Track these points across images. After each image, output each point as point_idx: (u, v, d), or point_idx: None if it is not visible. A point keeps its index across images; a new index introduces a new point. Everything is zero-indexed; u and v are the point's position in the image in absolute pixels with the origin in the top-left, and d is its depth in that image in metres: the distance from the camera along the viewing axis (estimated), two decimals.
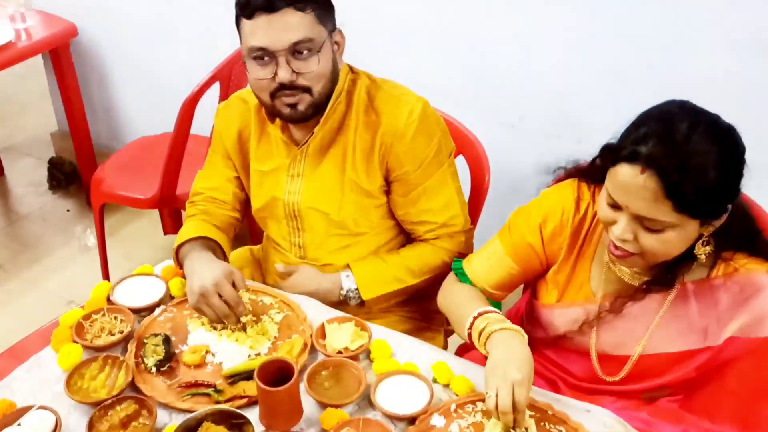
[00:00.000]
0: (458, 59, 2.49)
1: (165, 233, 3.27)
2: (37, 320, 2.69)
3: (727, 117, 1.31)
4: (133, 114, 3.45)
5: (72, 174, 3.67)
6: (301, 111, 1.61)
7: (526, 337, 1.41)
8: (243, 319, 1.59)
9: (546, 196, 1.58)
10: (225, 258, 1.75)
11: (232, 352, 1.55)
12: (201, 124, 2.54)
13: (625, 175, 1.29)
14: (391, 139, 1.65)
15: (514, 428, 1.32)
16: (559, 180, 1.63)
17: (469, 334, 1.47)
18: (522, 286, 1.76)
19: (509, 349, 1.37)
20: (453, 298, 1.63)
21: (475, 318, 1.47)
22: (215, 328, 1.60)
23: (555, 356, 1.66)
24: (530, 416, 1.40)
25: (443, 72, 2.53)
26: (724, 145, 1.27)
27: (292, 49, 1.52)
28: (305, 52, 1.54)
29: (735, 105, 1.48)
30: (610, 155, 1.33)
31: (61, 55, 3.20)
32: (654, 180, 1.25)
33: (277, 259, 1.87)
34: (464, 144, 1.97)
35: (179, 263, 1.74)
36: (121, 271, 3.11)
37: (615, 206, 1.34)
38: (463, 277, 1.65)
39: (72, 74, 3.29)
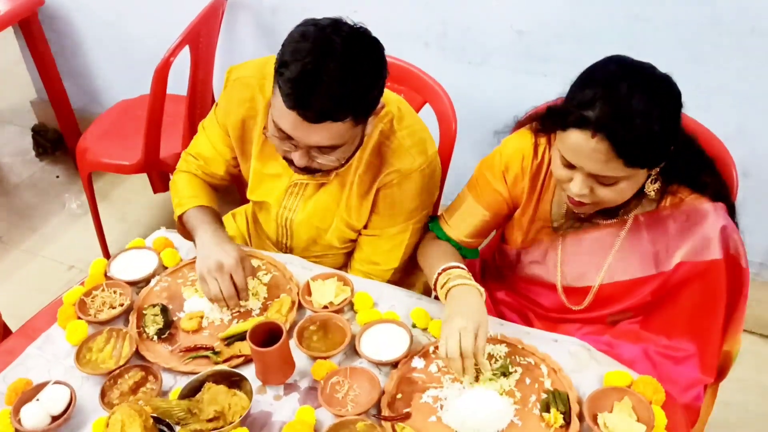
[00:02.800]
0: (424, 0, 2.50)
1: (155, 192, 3.33)
2: (42, 288, 2.82)
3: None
4: (110, 78, 3.45)
5: (57, 141, 3.70)
6: (311, 175, 1.63)
7: (482, 291, 1.51)
8: (243, 304, 1.67)
9: (506, 144, 1.65)
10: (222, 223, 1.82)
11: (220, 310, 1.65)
12: (176, 84, 2.56)
13: (576, 140, 1.35)
14: (388, 188, 1.67)
15: (465, 374, 1.42)
16: (518, 126, 1.70)
17: (435, 288, 1.58)
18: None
19: (463, 303, 1.47)
20: (427, 255, 1.73)
21: (439, 274, 1.57)
22: (210, 301, 1.66)
23: (525, 291, 1.77)
24: (500, 355, 1.52)
25: (409, 14, 2.54)
26: (663, 98, 1.34)
27: (317, 146, 1.50)
28: (329, 149, 1.51)
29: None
30: (559, 120, 1.40)
31: (30, 25, 3.18)
32: (604, 143, 1.32)
33: (264, 239, 1.95)
34: (431, 94, 2.02)
35: (182, 225, 1.79)
36: (116, 234, 3.20)
37: (569, 166, 1.41)
38: (440, 232, 1.74)
39: (43, 43, 3.28)
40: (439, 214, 1.78)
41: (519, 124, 1.71)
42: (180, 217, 1.81)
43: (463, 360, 1.39)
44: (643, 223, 1.55)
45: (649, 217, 1.54)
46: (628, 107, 1.31)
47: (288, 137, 1.50)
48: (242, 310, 1.67)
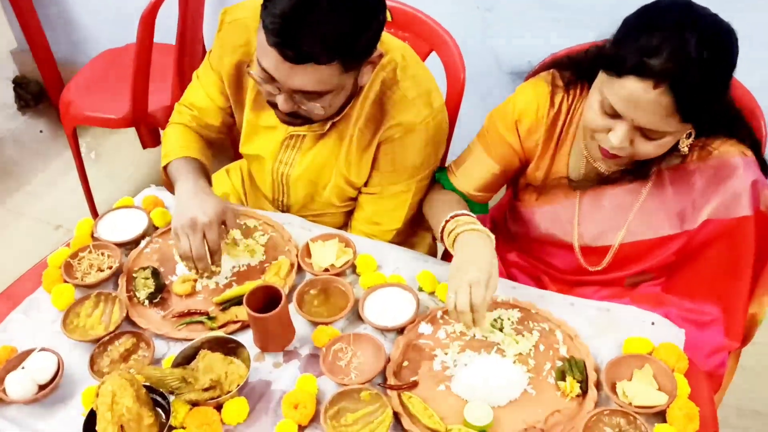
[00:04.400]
0: None
1: (144, 147, 3.28)
2: (30, 249, 2.79)
3: None
4: (94, 26, 3.36)
5: (40, 93, 3.64)
6: (299, 124, 1.58)
7: (492, 238, 1.47)
8: (214, 269, 1.59)
9: (520, 92, 1.59)
10: (209, 178, 1.79)
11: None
12: (164, 32, 2.49)
13: (632, 89, 1.28)
14: (390, 143, 1.63)
15: (475, 326, 1.41)
16: (534, 73, 1.65)
17: (442, 237, 1.54)
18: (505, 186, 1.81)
19: (472, 250, 1.44)
20: (434, 205, 1.69)
21: (447, 221, 1.53)
22: (181, 260, 1.59)
23: (539, 252, 1.74)
24: (513, 320, 1.50)
25: None
26: (728, 53, 1.29)
27: (301, 90, 1.45)
28: (314, 95, 1.46)
29: None
30: (612, 64, 1.32)
31: None
32: (666, 96, 1.26)
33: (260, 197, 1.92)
34: (438, 42, 1.96)
35: (168, 177, 1.76)
36: (104, 191, 3.16)
37: (613, 115, 1.35)
38: (447, 183, 1.70)
39: None
40: (447, 165, 1.74)
41: (534, 72, 1.66)
42: (165, 169, 1.77)
43: (473, 313, 1.37)
44: (667, 179, 1.50)
45: (674, 171, 1.49)
46: (696, 61, 1.24)
47: (271, 79, 1.45)
48: (217, 278, 1.62)
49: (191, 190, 1.61)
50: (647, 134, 1.34)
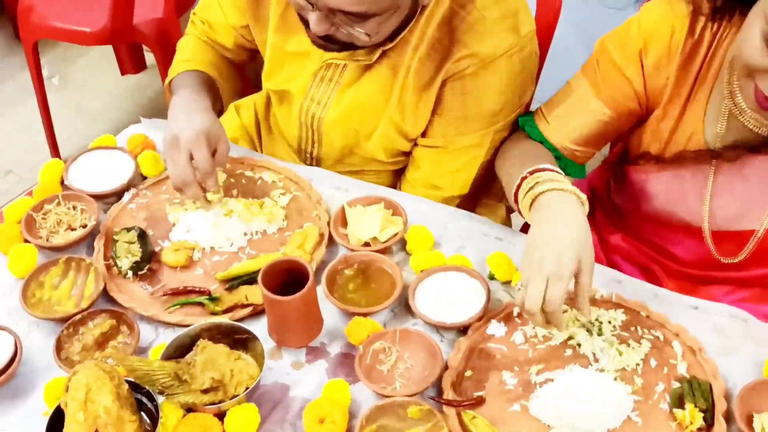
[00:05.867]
0: None
1: (123, 73, 3.32)
2: None
3: None
4: None
5: None
6: (336, 50, 1.60)
7: (585, 202, 1.46)
8: (210, 196, 1.67)
9: (647, 12, 1.56)
10: (220, 101, 1.84)
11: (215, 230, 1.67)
12: None
13: None
14: (459, 79, 1.63)
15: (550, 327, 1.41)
16: None
17: (516, 199, 1.54)
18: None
19: (556, 221, 1.42)
20: (508, 158, 1.69)
21: (523, 177, 1.52)
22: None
23: (653, 235, 1.74)
24: (614, 322, 1.50)
25: None
26: None
27: (340, 10, 1.46)
28: (357, 17, 1.48)
29: None
30: None
31: None
32: None
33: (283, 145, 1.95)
34: None
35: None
36: (70, 129, 3.21)
37: None
38: (534, 131, 1.70)
39: None
40: (535, 109, 1.73)
41: None
42: (169, 88, 1.82)
43: (547, 314, 1.38)
44: None
45: None
46: None
47: None
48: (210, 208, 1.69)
49: (182, 104, 1.67)
50: None
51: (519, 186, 1.53)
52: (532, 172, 1.52)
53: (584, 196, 1.46)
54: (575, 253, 1.38)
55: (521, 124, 1.73)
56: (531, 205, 1.48)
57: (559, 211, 1.44)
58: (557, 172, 1.52)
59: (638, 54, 1.56)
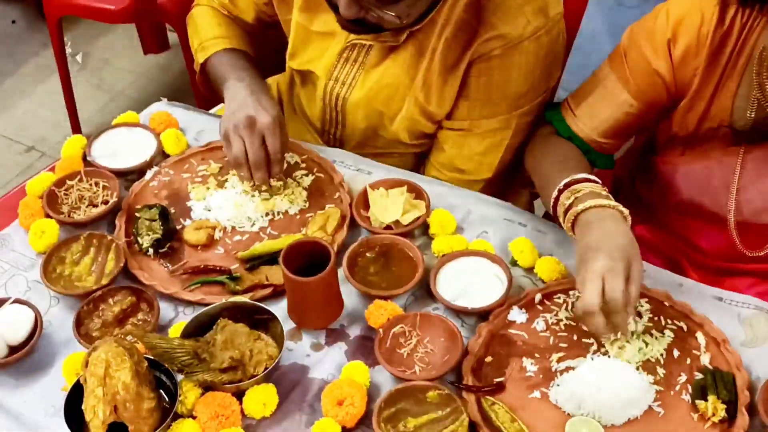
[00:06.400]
0: None
1: (145, 52, 3.33)
2: None
3: None
4: None
5: None
6: (364, 32, 1.60)
7: (627, 214, 1.45)
8: (274, 183, 1.69)
9: (676, 0, 1.56)
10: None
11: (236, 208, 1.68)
12: None
13: None
14: (486, 61, 1.62)
15: (612, 332, 1.39)
16: None
17: (555, 211, 1.53)
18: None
19: (602, 232, 1.41)
20: (540, 160, 1.69)
21: (560, 191, 1.51)
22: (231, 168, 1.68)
23: (678, 227, 1.73)
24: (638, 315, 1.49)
25: None
26: None
27: None
28: (389, 0, 1.47)
29: None
30: None
31: None
32: None
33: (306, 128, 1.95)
34: None
35: (204, 74, 1.84)
36: (92, 107, 3.22)
37: None
38: (561, 125, 1.69)
39: None
40: (561, 100, 1.72)
41: None
42: (203, 66, 1.82)
43: (611, 315, 1.35)
44: None
45: None
46: None
47: None
48: (272, 195, 1.69)
49: (246, 89, 1.68)
50: None
51: (557, 199, 1.52)
52: (568, 185, 1.50)
53: (626, 211, 1.45)
54: (626, 253, 1.36)
55: (548, 119, 1.72)
56: (573, 222, 1.46)
57: (605, 226, 1.42)
58: (594, 181, 1.51)
59: (667, 44, 1.54)
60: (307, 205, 1.70)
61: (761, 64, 1.47)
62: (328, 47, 1.75)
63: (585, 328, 1.43)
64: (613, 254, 1.35)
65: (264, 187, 1.69)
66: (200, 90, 1.95)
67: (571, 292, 1.53)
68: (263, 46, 1.97)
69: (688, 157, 1.63)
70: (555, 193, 1.52)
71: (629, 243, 1.39)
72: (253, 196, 1.69)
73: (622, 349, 1.43)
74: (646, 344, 1.44)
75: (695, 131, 1.59)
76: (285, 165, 1.72)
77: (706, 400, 1.36)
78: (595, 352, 1.44)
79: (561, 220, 1.50)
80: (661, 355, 1.43)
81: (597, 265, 1.34)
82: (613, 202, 1.45)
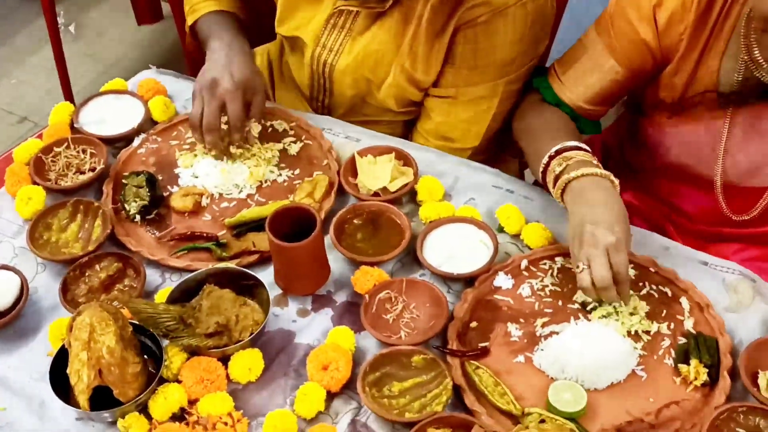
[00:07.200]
0: None
1: (139, 23, 3.32)
2: None
3: None
4: None
5: None
6: None
7: (616, 183, 1.46)
8: (233, 150, 1.68)
9: None
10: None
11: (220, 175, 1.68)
12: None
13: None
14: (472, 27, 1.61)
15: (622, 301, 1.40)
16: None
17: (544, 179, 1.53)
18: None
19: (594, 203, 1.42)
20: (529, 127, 1.68)
21: (551, 158, 1.51)
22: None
23: (665, 191, 1.74)
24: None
25: None
26: None
27: None
28: None
29: None
30: None
31: None
32: None
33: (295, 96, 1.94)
34: None
35: (195, 38, 1.84)
36: (85, 77, 3.21)
37: None
38: (548, 93, 1.69)
39: None
40: (548, 65, 1.72)
41: None
42: (192, 28, 1.82)
43: (618, 286, 1.36)
44: None
45: None
46: None
47: None
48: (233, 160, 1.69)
49: (225, 47, 1.68)
50: None
51: (547, 165, 1.52)
52: (559, 152, 1.51)
53: (617, 180, 1.46)
54: (624, 225, 1.39)
55: (536, 86, 1.72)
56: (564, 189, 1.47)
57: (598, 197, 1.43)
58: (583, 149, 1.51)
59: (652, 10, 1.54)
60: (297, 171, 1.70)
61: (748, 25, 1.47)
62: (315, 13, 1.74)
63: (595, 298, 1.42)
64: (614, 228, 1.37)
65: (215, 152, 1.68)
66: (194, 57, 1.95)
67: (557, 259, 1.53)
68: (256, 14, 1.96)
69: (675, 119, 1.63)
70: (545, 160, 1.52)
71: (623, 214, 1.41)
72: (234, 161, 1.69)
73: (610, 316, 1.44)
74: (632, 313, 1.45)
75: (682, 96, 1.59)
76: (256, 132, 1.73)
77: (688, 365, 1.36)
78: (579, 317, 1.45)
79: (550, 187, 1.51)
80: (644, 320, 1.44)
81: (600, 240, 1.36)
82: (604, 171, 1.46)
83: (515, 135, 1.74)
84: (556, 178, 1.49)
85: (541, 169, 1.54)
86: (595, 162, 1.48)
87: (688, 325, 1.43)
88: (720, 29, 1.52)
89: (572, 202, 1.45)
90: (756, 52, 1.46)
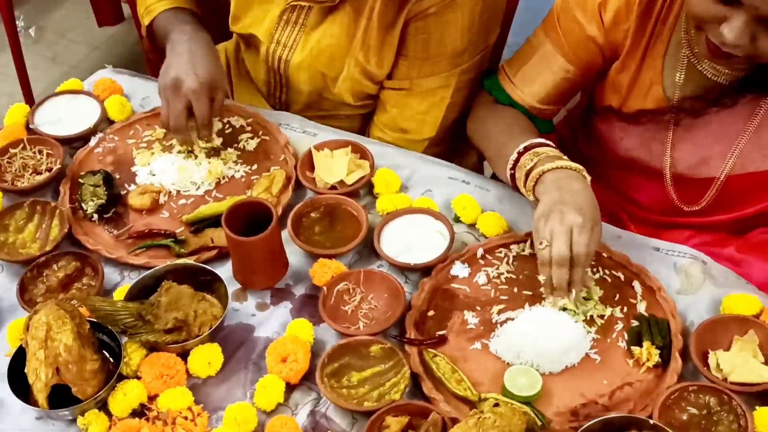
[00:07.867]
0: None
1: (100, 25, 3.30)
2: None
3: None
4: None
5: None
6: None
7: (588, 177, 1.47)
8: (203, 144, 1.68)
9: None
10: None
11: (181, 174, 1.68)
12: None
13: None
14: (422, 19, 1.62)
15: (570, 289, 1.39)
16: None
17: (512, 176, 1.54)
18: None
19: (567, 190, 1.43)
20: (487, 128, 1.69)
21: (520, 154, 1.52)
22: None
23: (619, 182, 1.75)
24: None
25: None
26: None
27: None
28: None
29: None
30: None
31: None
32: None
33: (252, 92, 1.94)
34: None
35: (153, 39, 1.82)
36: (45, 81, 3.18)
37: (728, 2, 1.32)
38: (500, 94, 1.70)
39: None
40: (499, 66, 1.73)
41: None
42: (150, 28, 1.80)
43: (573, 268, 1.37)
44: None
45: None
46: None
47: None
48: (201, 153, 1.70)
49: (187, 42, 1.66)
50: None
51: (516, 161, 1.52)
52: (527, 148, 1.52)
53: (589, 177, 1.47)
54: (592, 215, 1.39)
55: (487, 88, 1.73)
56: (536, 181, 1.47)
57: (570, 185, 1.44)
58: (550, 146, 1.53)
59: (598, 9, 1.56)
60: (255, 167, 1.70)
61: (689, 21, 1.49)
62: (268, 10, 1.75)
63: (541, 279, 1.42)
64: (583, 211, 1.38)
65: (186, 147, 1.69)
66: (150, 59, 1.94)
67: (512, 247, 1.55)
68: (211, 11, 1.96)
69: (624, 115, 1.64)
70: (514, 156, 1.52)
71: (595, 204, 1.43)
72: (196, 157, 1.69)
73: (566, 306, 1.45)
74: (586, 299, 1.46)
75: (627, 92, 1.61)
76: (224, 127, 1.73)
77: (641, 347, 1.38)
78: (533, 303, 1.46)
79: (521, 182, 1.51)
80: (597, 305, 1.46)
81: (567, 219, 1.37)
82: (577, 165, 1.48)
83: (471, 137, 1.75)
84: (528, 172, 1.49)
85: (509, 166, 1.54)
86: (565, 157, 1.50)
87: (641, 308, 1.45)
88: (662, 26, 1.54)
89: (544, 191, 1.45)
90: (696, 49, 1.50)
